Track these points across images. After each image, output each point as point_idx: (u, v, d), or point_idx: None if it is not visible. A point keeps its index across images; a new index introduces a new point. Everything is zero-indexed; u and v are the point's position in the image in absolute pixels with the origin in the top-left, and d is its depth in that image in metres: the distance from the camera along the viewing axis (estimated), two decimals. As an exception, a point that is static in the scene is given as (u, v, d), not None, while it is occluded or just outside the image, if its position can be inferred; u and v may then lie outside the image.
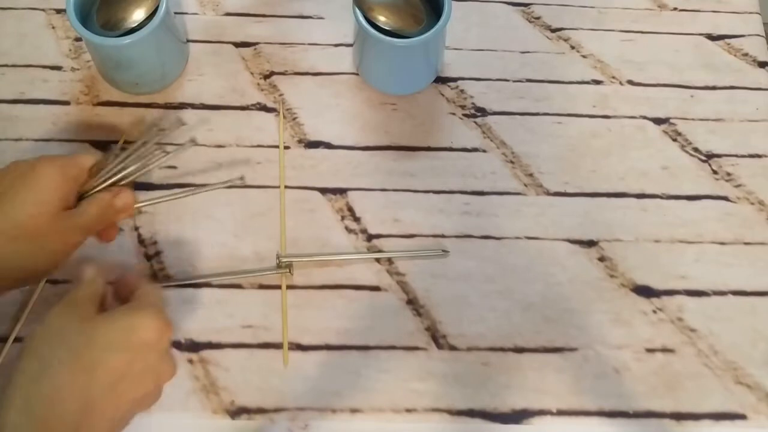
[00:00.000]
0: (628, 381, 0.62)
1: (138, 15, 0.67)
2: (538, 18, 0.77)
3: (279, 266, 0.64)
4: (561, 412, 0.61)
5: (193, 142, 0.60)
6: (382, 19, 0.66)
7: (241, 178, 0.61)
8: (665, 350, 0.63)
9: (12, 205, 0.54)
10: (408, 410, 0.61)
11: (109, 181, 0.59)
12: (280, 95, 0.72)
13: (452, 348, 0.63)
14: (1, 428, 0.43)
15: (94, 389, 0.46)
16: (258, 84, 0.72)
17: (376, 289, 0.65)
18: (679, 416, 0.61)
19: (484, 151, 0.70)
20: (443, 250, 0.65)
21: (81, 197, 0.58)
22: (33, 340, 0.47)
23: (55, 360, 0.45)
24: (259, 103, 0.72)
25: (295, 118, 0.71)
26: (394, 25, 0.66)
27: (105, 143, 0.69)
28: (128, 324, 0.48)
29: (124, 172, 0.59)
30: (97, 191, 0.59)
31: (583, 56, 0.75)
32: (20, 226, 0.53)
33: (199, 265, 0.65)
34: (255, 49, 0.74)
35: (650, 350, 0.63)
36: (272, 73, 0.73)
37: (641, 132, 0.71)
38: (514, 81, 0.73)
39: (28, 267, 0.55)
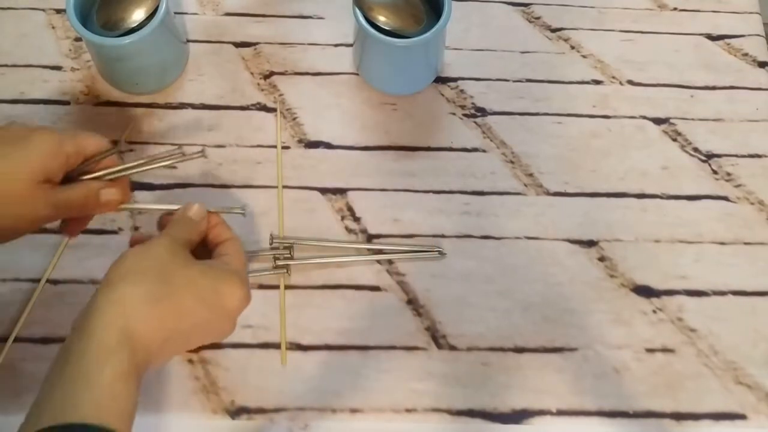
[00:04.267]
0: (628, 381, 0.62)
1: (138, 15, 0.67)
2: (538, 18, 0.77)
3: (276, 267, 0.64)
4: (561, 412, 0.61)
5: (203, 153, 0.56)
6: (382, 19, 0.66)
7: (202, 151, 0.56)
8: (665, 350, 0.63)
9: None
10: (408, 410, 0.61)
11: (103, 172, 0.55)
12: (280, 95, 0.72)
13: (452, 348, 0.63)
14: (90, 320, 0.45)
15: (176, 329, 0.48)
16: (258, 84, 0.72)
17: (376, 289, 0.65)
18: (679, 416, 0.61)
19: (484, 151, 0.70)
20: (440, 252, 0.65)
21: (68, 179, 0.54)
22: (133, 262, 0.48)
23: (143, 293, 0.47)
24: (259, 103, 0.72)
25: (295, 118, 0.71)
26: (394, 25, 0.66)
27: (105, 143, 0.69)
28: (220, 288, 0.49)
29: (120, 167, 0.55)
30: (88, 178, 0.55)
31: (583, 56, 0.75)
32: None
33: (199, 265, 0.65)
34: (255, 49, 0.74)
35: (650, 350, 0.63)
36: (272, 73, 0.73)
37: (641, 132, 0.71)
38: (514, 81, 0.73)
39: None
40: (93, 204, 0.54)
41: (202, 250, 0.53)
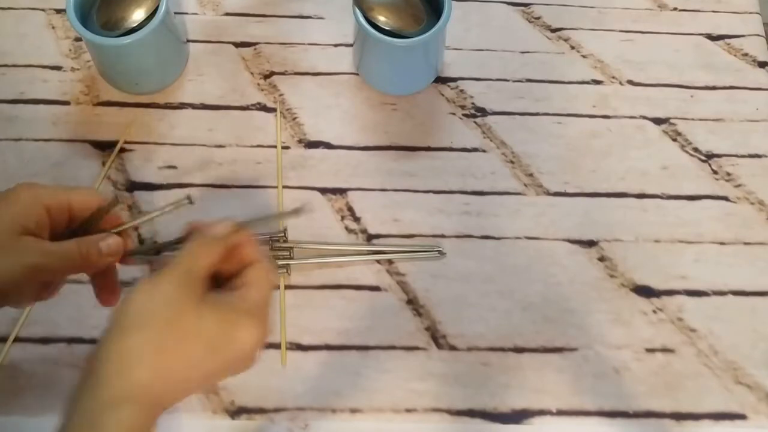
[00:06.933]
0: (628, 381, 0.62)
1: (138, 15, 0.67)
2: (538, 18, 0.77)
3: (276, 267, 0.64)
4: (561, 412, 0.61)
5: (190, 200, 0.55)
6: (382, 19, 0.66)
7: (188, 198, 0.55)
8: (665, 350, 0.63)
9: None
10: (408, 410, 0.61)
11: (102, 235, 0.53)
12: (280, 95, 0.72)
13: (452, 348, 0.63)
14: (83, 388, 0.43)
15: (186, 378, 0.46)
16: (258, 84, 0.72)
17: (376, 289, 0.65)
18: (679, 416, 0.61)
19: (484, 151, 0.70)
20: (440, 252, 0.65)
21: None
22: (141, 304, 0.45)
23: (151, 341, 0.45)
24: (259, 103, 0.72)
25: (295, 118, 0.71)
26: (394, 25, 0.66)
27: (105, 143, 0.69)
28: (233, 334, 0.46)
29: (119, 228, 0.54)
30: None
31: (583, 56, 0.75)
32: None
33: (199, 265, 0.65)
34: (255, 49, 0.74)
35: (650, 350, 0.63)
36: (272, 73, 0.73)
37: (641, 132, 0.71)
38: (514, 81, 0.73)
39: None
40: (95, 256, 0.52)
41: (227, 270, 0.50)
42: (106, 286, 0.55)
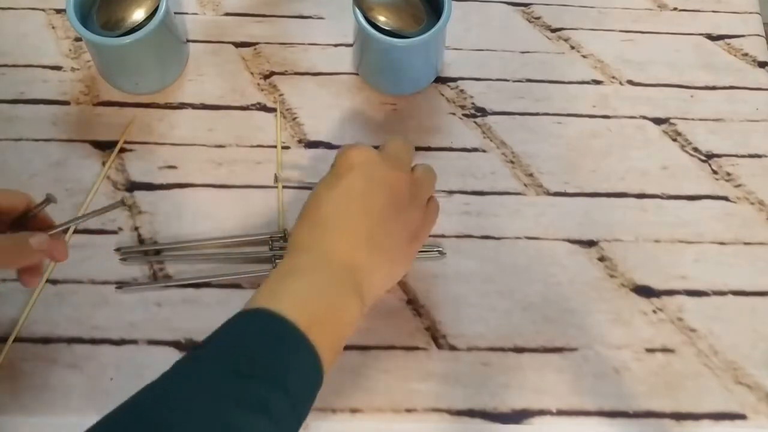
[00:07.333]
0: (628, 381, 0.62)
1: (138, 15, 0.67)
2: (538, 18, 0.77)
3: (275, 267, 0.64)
4: (561, 412, 0.61)
5: (124, 203, 0.58)
6: (382, 19, 0.66)
7: (123, 201, 0.59)
8: (665, 350, 0.63)
9: None
10: (408, 410, 0.61)
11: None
12: (280, 95, 0.72)
13: (452, 348, 0.63)
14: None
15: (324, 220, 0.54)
16: (258, 84, 0.72)
17: (376, 289, 0.64)
18: (679, 416, 0.61)
19: (484, 151, 0.70)
20: (440, 251, 0.65)
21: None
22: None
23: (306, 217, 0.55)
24: (259, 103, 0.72)
25: (295, 118, 0.71)
26: (394, 25, 0.66)
27: (105, 143, 0.69)
28: (334, 172, 0.56)
29: (54, 230, 0.56)
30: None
31: (583, 56, 0.75)
32: None
33: (199, 265, 0.65)
34: (255, 49, 0.74)
35: (650, 350, 0.63)
36: (272, 73, 0.73)
37: (641, 132, 0.71)
38: (514, 81, 0.73)
39: None
40: (27, 251, 0.53)
41: None
42: (32, 270, 0.57)
